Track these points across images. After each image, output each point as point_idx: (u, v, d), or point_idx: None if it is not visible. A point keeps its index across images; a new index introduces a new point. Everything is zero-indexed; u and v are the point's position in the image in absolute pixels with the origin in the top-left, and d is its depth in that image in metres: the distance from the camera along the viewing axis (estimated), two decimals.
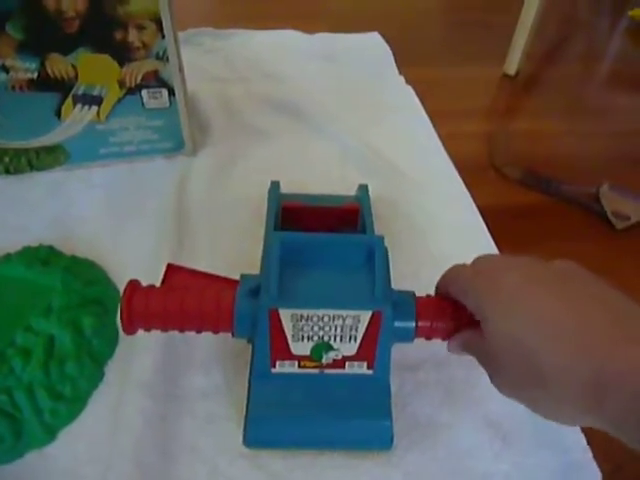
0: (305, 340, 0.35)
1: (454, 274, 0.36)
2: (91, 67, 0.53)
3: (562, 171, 0.66)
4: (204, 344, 0.44)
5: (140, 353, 0.42)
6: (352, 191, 0.55)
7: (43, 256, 0.47)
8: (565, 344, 0.26)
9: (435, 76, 0.83)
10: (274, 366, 0.36)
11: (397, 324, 0.35)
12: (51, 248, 0.49)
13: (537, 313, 0.28)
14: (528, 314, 0.28)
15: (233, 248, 0.53)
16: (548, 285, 0.29)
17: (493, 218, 0.58)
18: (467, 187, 0.62)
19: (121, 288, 0.46)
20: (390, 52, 0.86)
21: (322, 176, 0.62)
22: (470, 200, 0.60)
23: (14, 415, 0.37)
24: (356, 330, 0.34)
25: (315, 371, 0.36)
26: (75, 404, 0.40)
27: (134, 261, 0.50)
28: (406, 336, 0.36)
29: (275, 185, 0.52)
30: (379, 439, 0.37)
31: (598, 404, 0.25)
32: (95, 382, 0.41)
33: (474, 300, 0.32)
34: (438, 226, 0.57)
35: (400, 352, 0.38)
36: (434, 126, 0.71)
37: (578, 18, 1.10)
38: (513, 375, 0.29)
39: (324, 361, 0.36)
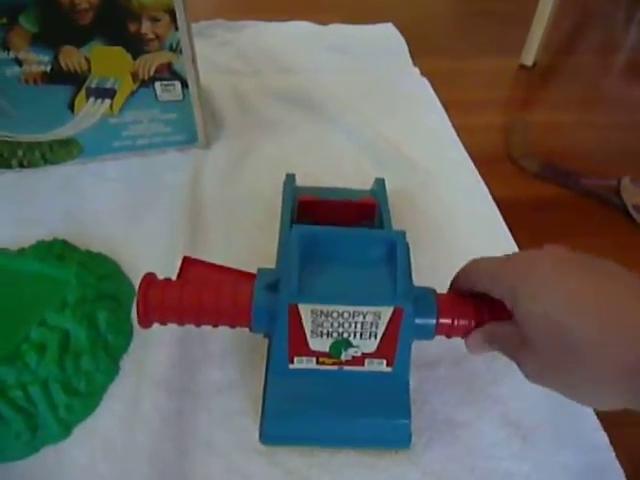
0: (324, 336, 0.34)
1: (475, 266, 0.35)
2: (104, 59, 0.53)
3: (581, 163, 0.65)
4: (219, 338, 0.44)
5: (155, 348, 0.42)
6: (367, 184, 0.54)
7: (57, 250, 0.46)
8: (603, 321, 0.26)
9: (450, 67, 0.81)
10: (292, 362, 0.36)
11: (418, 321, 0.34)
12: (65, 242, 0.49)
13: (574, 291, 0.28)
14: (564, 292, 0.28)
15: (247, 242, 0.52)
16: (583, 267, 0.29)
17: (510, 211, 0.57)
18: (483, 179, 0.61)
19: (135, 282, 0.46)
20: (404, 43, 0.85)
21: (336, 169, 0.62)
22: (487, 193, 0.59)
23: (29, 410, 0.37)
24: (376, 327, 0.33)
25: (334, 368, 0.36)
26: (90, 399, 0.39)
27: (148, 255, 0.50)
28: (426, 333, 0.35)
29: (291, 178, 0.52)
30: (397, 438, 0.37)
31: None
32: (111, 377, 0.41)
33: (504, 284, 0.31)
34: (455, 219, 0.56)
35: (420, 348, 0.37)
36: (449, 117, 0.70)
37: (594, 8, 1.08)
38: (548, 357, 0.29)
39: (343, 358, 0.35)
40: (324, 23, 0.89)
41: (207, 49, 0.78)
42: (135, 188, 0.57)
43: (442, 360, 0.43)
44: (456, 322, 0.35)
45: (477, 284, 0.34)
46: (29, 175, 0.58)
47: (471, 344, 0.35)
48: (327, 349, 0.35)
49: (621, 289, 0.27)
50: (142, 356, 0.42)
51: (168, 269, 0.39)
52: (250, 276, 0.38)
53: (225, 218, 0.55)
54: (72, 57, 0.52)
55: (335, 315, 0.33)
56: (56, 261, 0.45)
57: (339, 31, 0.88)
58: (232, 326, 0.36)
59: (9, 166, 0.57)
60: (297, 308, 0.33)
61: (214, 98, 0.70)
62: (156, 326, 0.36)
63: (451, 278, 0.38)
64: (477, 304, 0.35)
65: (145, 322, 0.35)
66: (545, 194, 0.62)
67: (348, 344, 0.34)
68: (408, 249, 0.36)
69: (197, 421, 0.39)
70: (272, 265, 0.43)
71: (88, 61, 0.52)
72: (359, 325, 0.33)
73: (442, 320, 0.35)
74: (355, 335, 0.34)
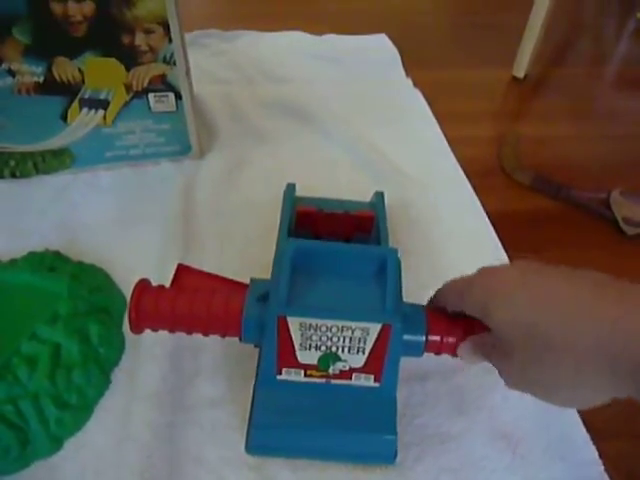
0: (312, 349, 0.34)
1: (447, 287, 0.36)
2: (98, 71, 0.53)
3: (572, 176, 0.65)
4: (211, 350, 0.44)
5: (147, 360, 0.42)
6: (360, 194, 0.54)
7: (49, 262, 0.46)
8: (573, 315, 0.27)
9: (442, 78, 0.82)
10: (280, 373, 0.36)
11: (406, 338, 0.34)
12: (57, 253, 0.49)
13: (538, 294, 0.29)
14: (529, 297, 0.29)
15: (240, 252, 0.52)
16: (547, 272, 0.31)
17: (502, 223, 0.57)
18: (476, 191, 0.61)
19: (127, 294, 0.46)
20: (397, 54, 0.86)
21: (330, 180, 0.62)
22: (479, 205, 0.60)
23: (20, 425, 0.37)
24: (364, 342, 0.34)
25: (321, 381, 0.36)
26: (81, 413, 0.39)
27: (140, 266, 0.49)
28: (415, 350, 0.35)
29: (291, 188, 0.52)
30: (382, 453, 0.37)
31: (615, 364, 0.26)
32: (102, 390, 0.41)
33: (474, 299, 0.32)
34: (447, 232, 0.56)
35: (409, 361, 0.37)
36: (442, 129, 0.70)
37: (585, 20, 1.09)
38: (525, 359, 0.30)
39: (331, 371, 0.35)
40: (317, 33, 0.89)
41: (201, 59, 0.79)
42: (128, 198, 0.57)
43: (432, 373, 0.43)
44: (445, 339, 0.35)
45: (449, 304, 0.35)
46: (21, 185, 0.58)
47: (461, 352, 0.36)
48: (315, 362, 0.35)
49: (584, 284, 0.28)
50: (133, 369, 0.42)
51: (160, 279, 0.39)
52: (243, 286, 0.38)
53: (218, 229, 0.55)
54: (65, 68, 0.52)
55: (324, 329, 0.33)
56: (48, 273, 0.45)
57: (332, 41, 0.88)
58: (222, 335, 0.37)
59: (1, 176, 0.58)
60: (286, 320, 0.33)
61: (207, 108, 0.71)
62: (148, 338, 0.37)
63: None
64: (467, 321, 0.35)
65: (136, 328, 0.36)
66: (537, 207, 0.63)
67: (336, 358, 0.35)
68: (399, 265, 0.36)
69: (187, 435, 0.39)
70: (267, 276, 0.43)
71: (81, 72, 0.52)
72: (347, 340, 0.34)
73: (431, 337, 0.35)
74: (343, 349, 0.34)
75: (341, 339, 0.34)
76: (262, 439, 0.36)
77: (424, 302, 0.38)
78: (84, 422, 0.39)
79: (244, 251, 0.53)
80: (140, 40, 0.52)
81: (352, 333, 0.33)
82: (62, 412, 0.38)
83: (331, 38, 0.89)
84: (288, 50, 0.85)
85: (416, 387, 0.42)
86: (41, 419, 0.37)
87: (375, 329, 0.33)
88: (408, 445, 0.39)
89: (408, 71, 0.82)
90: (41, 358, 0.39)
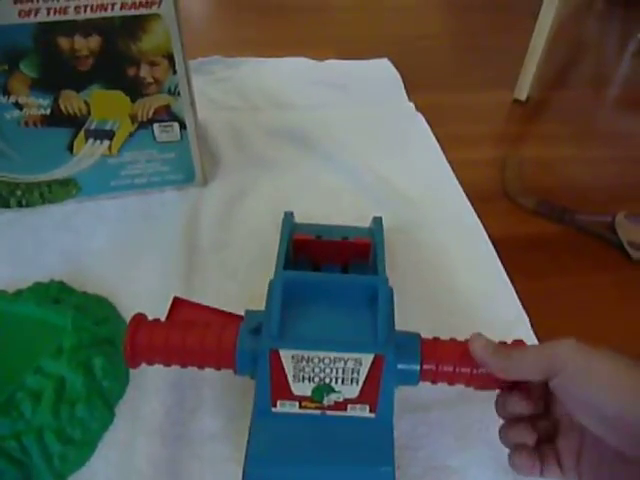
0: (306, 381, 0.34)
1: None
2: (103, 103, 0.54)
3: (576, 199, 0.65)
4: (213, 383, 0.44)
5: (149, 394, 0.42)
6: (364, 220, 0.55)
7: (54, 293, 0.47)
8: None
9: (445, 102, 0.82)
10: (275, 405, 0.36)
11: (400, 367, 0.34)
12: (62, 284, 0.49)
13: None
14: None
15: (243, 281, 0.53)
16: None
17: (505, 248, 0.57)
18: (478, 215, 0.61)
19: None
20: (400, 78, 0.86)
21: (333, 206, 0.62)
22: (482, 230, 0.60)
23: (23, 461, 0.37)
24: (358, 373, 0.34)
25: (316, 412, 0.36)
26: (85, 448, 0.39)
27: (144, 295, 0.50)
28: (410, 379, 0.35)
29: (288, 216, 0.52)
30: None
31: None
32: (105, 424, 0.41)
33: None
34: (449, 257, 0.56)
35: (413, 391, 0.37)
36: (444, 153, 0.70)
37: (587, 41, 1.09)
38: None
39: (325, 403, 0.35)
40: (320, 58, 0.90)
41: (205, 86, 0.80)
42: (133, 227, 0.58)
43: (436, 403, 0.43)
44: (440, 368, 0.35)
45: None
46: (27, 214, 0.58)
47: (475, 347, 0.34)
48: (309, 393, 0.35)
49: None
50: (137, 402, 0.42)
51: (164, 309, 0.40)
52: (238, 318, 0.39)
53: (222, 256, 0.55)
54: (72, 101, 0.53)
55: (316, 361, 0.33)
56: (53, 305, 0.45)
57: (335, 67, 0.89)
58: (217, 368, 0.37)
59: (7, 205, 0.58)
60: (278, 353, 0.33)
61: (211, 135, 0.71)
62: (151, 369, 0.37)
63: (441, 319, 0.37)
64: (464, 351, 0.35)
65: (132, 363, 0.36)
66: (541, 231, 0.62)
67: (330, 389, 0.34)
68: (391, 294, 0.36)
69: (188, 469, 0.39)
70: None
71: (87, 104, 0.54)
72: (340, 371, 0.34)
73: (426, 366, 0.35)
74: (337, 381, 0.34)
75: (334, 370, 0.34)
76: (258, 472, 0.36)
77: (422, 329, 0.38)
78: (87, 457, 0.39)
79: (247, 279, 0.53)
80: (145, 72, 0.53)
81: (345, 364, 0.33)
82: (66, 447, 0.38)
83: (333, 63, 0.90)
84: (291, 76, 0.86)
85: (420, 418, 0.42)
86: (44, 455, 0.37)
87: (368, 360, 0.33)
88: (412, 478, 0.38)
89: (410, 95, 0.83)
90: (45, 392, 0.39)
